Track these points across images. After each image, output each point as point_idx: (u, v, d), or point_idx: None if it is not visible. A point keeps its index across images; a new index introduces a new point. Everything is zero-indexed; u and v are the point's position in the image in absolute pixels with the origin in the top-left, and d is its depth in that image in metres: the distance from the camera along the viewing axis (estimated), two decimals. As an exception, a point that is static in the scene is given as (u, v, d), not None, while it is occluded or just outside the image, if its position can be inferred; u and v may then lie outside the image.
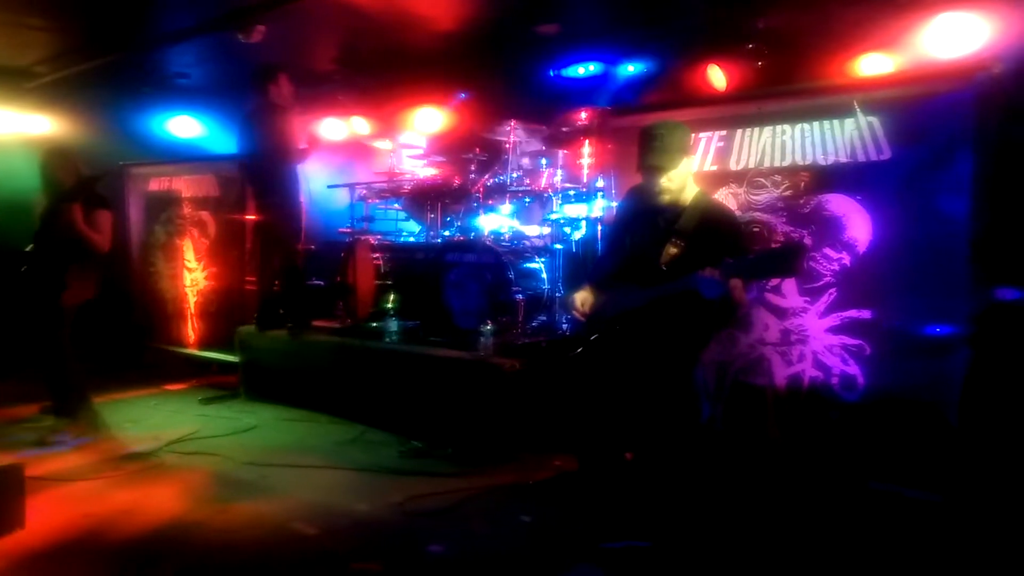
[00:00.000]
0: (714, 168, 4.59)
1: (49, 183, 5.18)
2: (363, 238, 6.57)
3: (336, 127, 7.84)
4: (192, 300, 7.51)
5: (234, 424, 5.53)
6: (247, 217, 6.85)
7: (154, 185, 7.96)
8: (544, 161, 6.21)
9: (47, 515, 3.73)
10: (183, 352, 7.53)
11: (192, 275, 7.52)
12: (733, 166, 4.52)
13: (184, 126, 8.15)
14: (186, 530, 3.66)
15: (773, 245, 4.22)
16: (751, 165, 4.45)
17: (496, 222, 6.12)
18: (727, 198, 4.49)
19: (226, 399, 6.32)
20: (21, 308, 5.14)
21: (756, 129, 4.43)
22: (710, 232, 3.24)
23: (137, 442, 5.03)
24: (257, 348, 6.31)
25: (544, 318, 5.58)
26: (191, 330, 7.52)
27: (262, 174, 6.03)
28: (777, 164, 4.34)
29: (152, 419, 5.69)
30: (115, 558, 3.36)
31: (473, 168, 6.28)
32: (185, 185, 7.62)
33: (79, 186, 5.09)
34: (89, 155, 7.41)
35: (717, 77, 5.33)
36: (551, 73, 6.52)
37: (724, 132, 4.57)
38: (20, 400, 5.70)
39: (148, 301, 7.95)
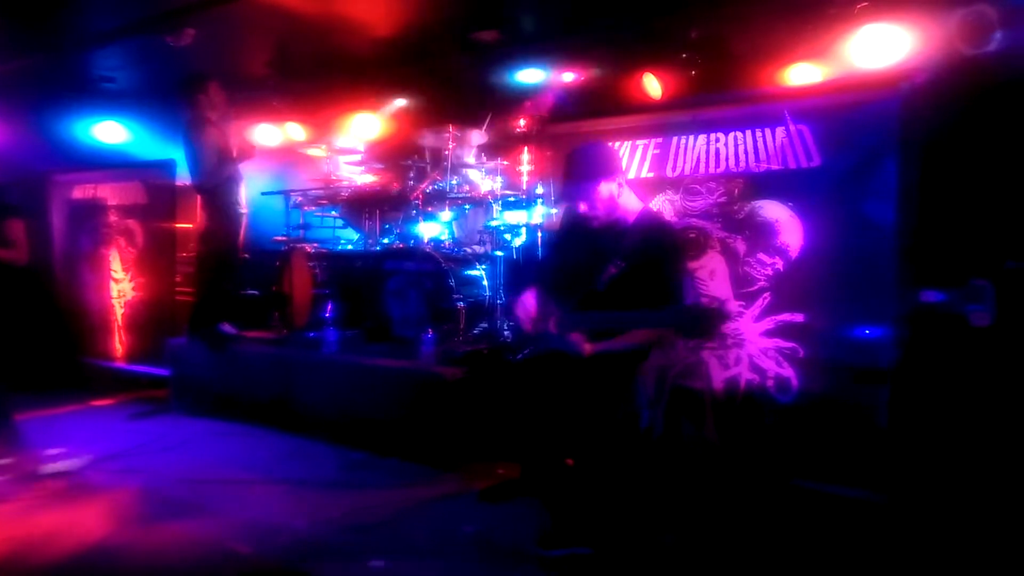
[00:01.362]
0: (651, 175, 4.65)
1: None
2: (299, 246, 6.44)
3: (270, 133, 7.67)
4: (119, 312, 7.23)
5: (164, 440, 5.33)
6: (176, 225, 6.63)
7: (79, 193, 7.66)
8: (483, 168, 6.19)
9: (-38, 541, 3.53)
10: (110, 366, 7.24)
11: (119, 286, 7.25)
12: (669, 173, 4.59)
13: (110, 131, 7.86)
14: (113, 553, 3.50)
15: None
16: (687, 172, 4.53)
17: (435, 229, 6.07)
18: (664, 204, 4.55)
19: (156, 414, 6.09)
20: None
21: (691, 136, 4.51)
22: (651, 253, 3.17)
23: (61, 461, 4.80)
24: (189, 361, 6.11)
25: (486, 325, 5.56)
26: (119, 343, 7.25)
27: (200, 184, 5.88)
28: (712, 171, 4.42)
29: (77, 436, 5.44)
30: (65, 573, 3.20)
31: (412, 175, 6.22)
32: (111, 192, 7.36)
33: None
34: (10, 161, 7.13)
35: (652, 85, 5.41)
36: (489, 80, 6.51)
37: (660, 139, 4.63)
38: None
39: (73, 313, 7.62)
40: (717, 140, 4.40)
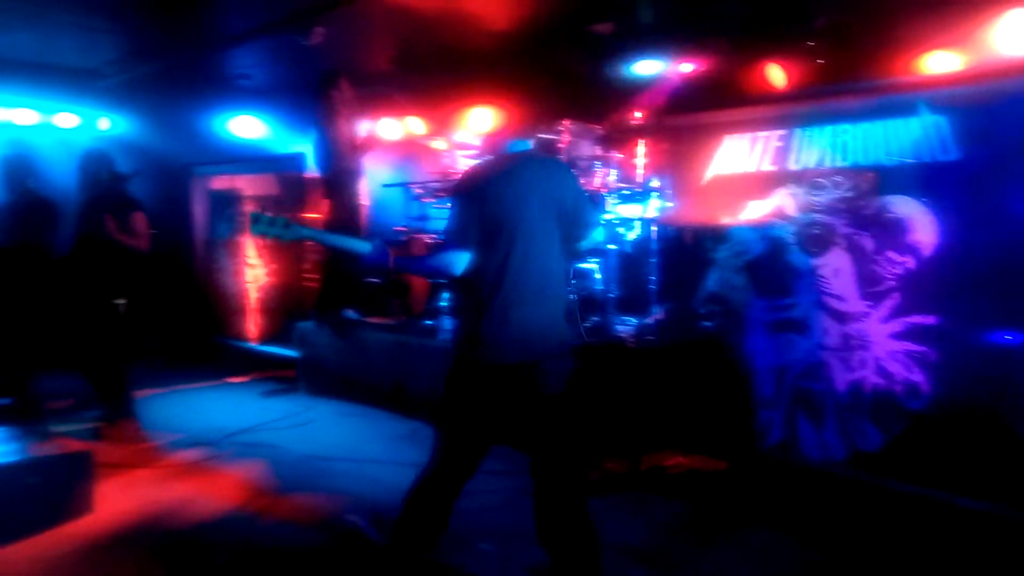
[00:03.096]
0: (772, 168, 4.51)
1: (86, 186, 5.32)
2: (418, 237, 6.64)
3: (392, 127, 7.93)
4: (253, 296, 7.70)
5: (292, 418, 5.66)
6: (305, 215, 6.98)
7: (217, 184, 8.20)
8: (597, 161, 6.17)
9: (113, 501, 3.89)
10: (244, 346, 7.73)
11: (253, 272, 7.72)
12: (792, 166, 4.43)
13: (246, 126, 8.35)
14: (244, 519, 3.77)
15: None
16: (811, 165, 4.36)
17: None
18: (786, 199, 4.41)
19: (285, 393, 6.47)
20: (67, 307, 5.30)
21: (816, 128, 4.34)
22: None
23: (200, 433, 5.20)
24: (315, 344, 6.45)
25: (597, 318, 5.56)
26: (252, 325, 7.72)
27: (329, 175, 6.19)
28: (838, 164, 4.24)
29: (214, 411, 5.87)
30: (177, 543, 3.48)
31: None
32: (246, 184, 7.82)
33: (111, 192, 5.22)
34: (156, 155, 7.72)
35: (776, 75, 5.22)
36: (605, 72, 6.48)
37: (783, 131, 4.48)
38: (63, 395, 5.83)
39: (212, 296, 8.18)
40: (844, 132, 4.21)
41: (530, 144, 3.25)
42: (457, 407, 2.95)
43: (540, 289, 2.88)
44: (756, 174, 4.53)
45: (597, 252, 5.79)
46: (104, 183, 5.25)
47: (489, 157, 3.18)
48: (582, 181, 6.10)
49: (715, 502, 4.06)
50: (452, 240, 2.83)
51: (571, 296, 5.36)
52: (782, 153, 4.48)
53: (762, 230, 4.49)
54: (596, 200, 5.47)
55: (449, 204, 2.95)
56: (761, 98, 5.01)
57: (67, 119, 7.52)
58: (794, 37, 5.14)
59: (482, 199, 2.84)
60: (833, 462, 4.16)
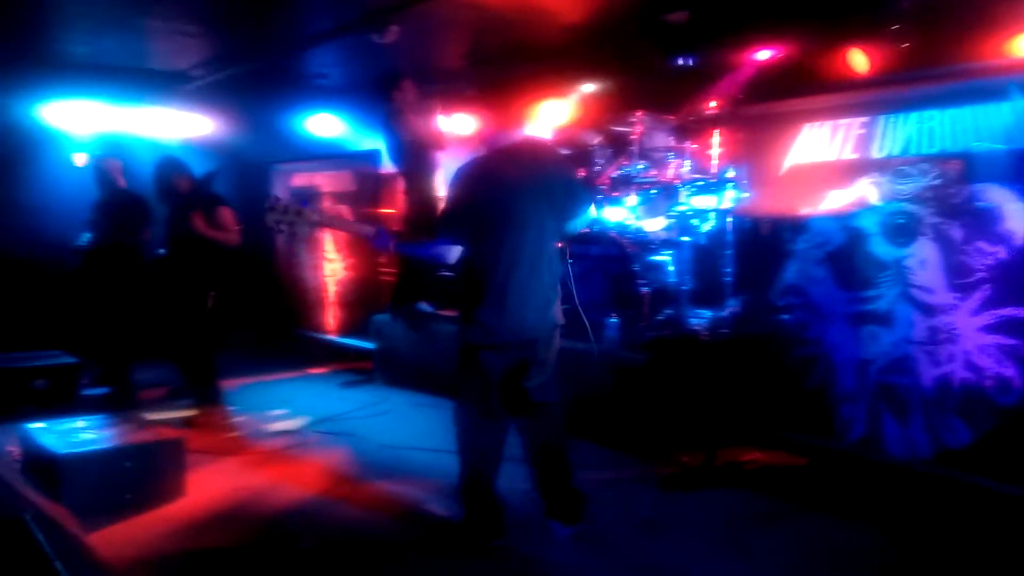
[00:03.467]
0: (854, 157, 4.38)
1: (165, 191, 5.56)
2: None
3: (464, 122, 8.01)
4: (332, 289, 7.93)
5: (370, 408, 5.82)
6: (381, 210, 7.14)
7: (297, 180, 8.46)
8: (671, 152, 6.11)
9: (204, 486, 4.08)
10: (323, 338, 7.97)
11: (331, 266, 7.94)
12: (876, 154, 4.30)
13: (324, 124, 8.58)
14: (327, 506, 3.91)
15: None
16: (896, 153, 4.22)
17: (621, 214, 6.08)
18: (869, 188, 4.28)
19: (363, 384, 6.65)
20: (160, 301, 5.55)
21: (901, 115, 4.19)
22: None
23: (284, 421, 5.40)
24: (390, 336, 6.60)
25: (671, 311, 5.51)
26: (331, 318, 7.95)
27: (403, 170, 6.32)
28: (924, 152, 4.09)
29: (297, 400, 6.08)
30: (264, 528, 3.64)
31: (598, 160, 6.27)
32: (324, 180, 8.05)
33: (195, 192, 5.44)
34: (239, 153, 8.01)
35: (858, 61, 5.06)
36: (679, 62, 6.39)
37: (865, 119, 4.35)
38: (157, 385, 6.10)
39: (293, 290, 8.46)
40: (931, 118, 4.05)
41: (520, 135, 3.35)
42: (470, 388, 3.17)
43: (533, 275, 3.07)
44: (837, 163, 4.41)
45: (670, 244, 5.74)
46: (184, 186, 5.48)
47: (481, 150, 3.33)
48: (655, 172, 6.07)
49: (794, 498, 3.99)
50: (445, 230, 3.01)
51: (644, 289, 5.34)
52: (865, 141, 4.35)
53: (843, 220, 4.37)
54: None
55: (443, 195, 3.13)
56: (843, 84, 4.87)
57: (156, 121, 7.87)
58: (877, 20, 4.97)
59: (474, 191, 3.03)
60: (919, 459, 4.03)
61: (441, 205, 3.22)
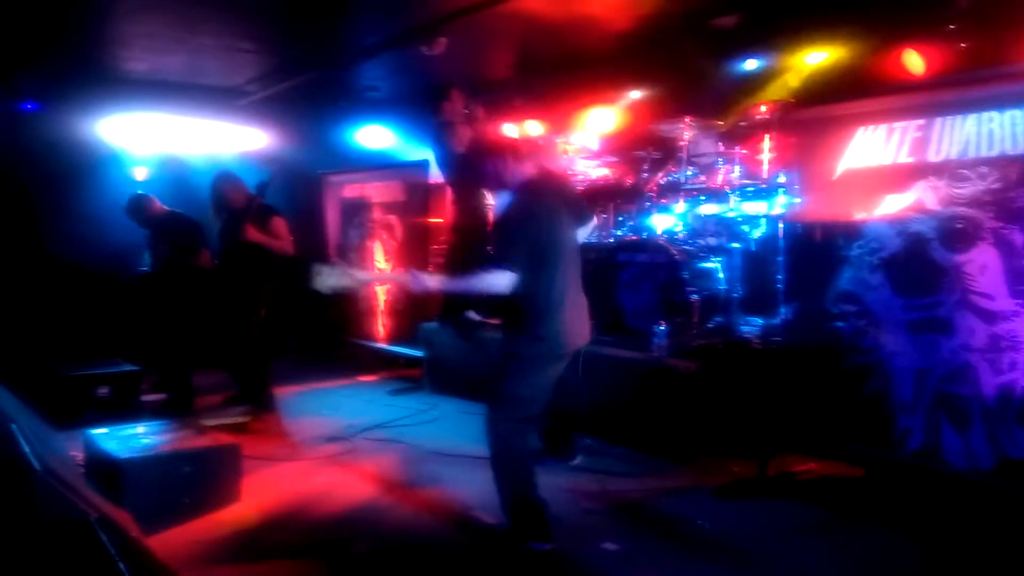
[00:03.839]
0: (910, 160, 4.27)
1: (221, 205, 5.69)
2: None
3: (512, 131, 8.05)
4: (382, 298, 8.03)
5: (419, 415, 5.88)
6: (430, 220, 7.21)
7: (348, 191, 8.60)
8: (720, 158, 6.05)
9: (258, 491, 4.16)
10: (374, 346, 8.08)
11: (381, 274, 8.03)
12: (932, 157, 4.18)
13: (373, 135, 8.72)
14: (378, 511, 3.96)
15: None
16: (953, 156, 4.10)
17: (669, 221, 6.04)
18: (926, 192, 4.16)
19: (412, 391, 6.72)
20: (216, 311, 5.69)
21: (959, 117, 4.07)
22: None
23: (335, 428, 5.49)
24: (439, 344, 6.65)
25: (721, 319, 5.45)
26: (381, 326, 8.05)
27: (452, 180, 6.40)
28: (983, 154, 3.97)
29: (347, 407, 6.17)
30: (318, 532, 3.70)
31: (646, 167, 6.24)
32: (375, 191, 8.17)
33: (250, 205, 5.56)
34: (292, 165, 8.19)
35: (914, 61, 4.95)
36: (728, 66, 6.33)
37: (921, 121, 4.23)
38: (214, 391, 6.20)
39: (343, 298, 8.58)
40: (991, 120, 3.92)
41: (534, 167, 3.77)
42: (521, 398, 3.41)
43: (578, 290, 3.62)
44: (892, 167, 4.30)
45: (720, 251, 5.67)
46: (239, 199, 5.62)
47: (518, 189, 3.56)
48: (703, 178, 6.02)
49: (850, 509, 3.90)
50: (508, 264, 3.26)
51: (693, 296, 5.28)
52: (921, 144, 4.23)
53: (900, 225, 4.26)
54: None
55: (499, 234, 3.50)
56: (898, 86, 4.76)
57: (213, 135, 8.10)
58: (934, 20, 4.86)
59: (530, 226, 3.38)
60: (979, 470, 3.90)
61: (497, 239, 3.48)
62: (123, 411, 5.38)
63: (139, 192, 6.24)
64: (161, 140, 7.84)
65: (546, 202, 3.55)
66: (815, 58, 5.82)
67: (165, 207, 6.12)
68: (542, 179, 3.76)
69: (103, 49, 6.53)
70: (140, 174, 7.69)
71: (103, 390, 5.56)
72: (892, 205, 4.32)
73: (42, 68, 6.83)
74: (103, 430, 4.21)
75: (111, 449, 3.87)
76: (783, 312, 5.02)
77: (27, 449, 3.34)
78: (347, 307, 8.48)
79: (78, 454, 4.27)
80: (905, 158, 4.30)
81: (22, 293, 6.88)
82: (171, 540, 3.51)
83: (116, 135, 7.57)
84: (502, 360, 3.48)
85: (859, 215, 4.44)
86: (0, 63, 6.57)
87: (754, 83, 6.11)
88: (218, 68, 7.21)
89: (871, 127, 4.41)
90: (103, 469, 3.87)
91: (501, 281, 3.26)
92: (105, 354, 6.12)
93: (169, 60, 6.81)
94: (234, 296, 5.54)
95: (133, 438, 4.06)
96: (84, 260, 7.15)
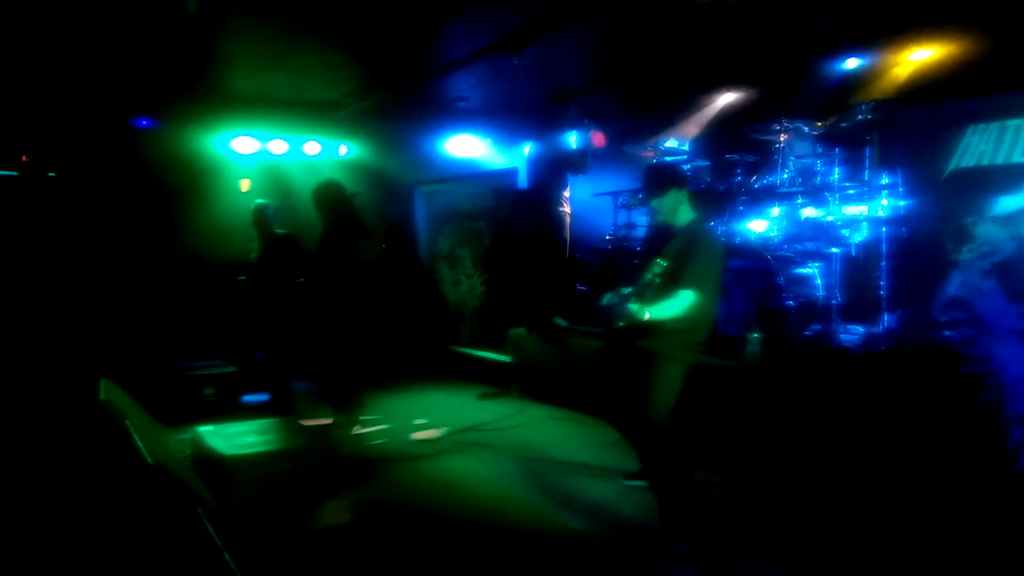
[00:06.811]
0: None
1: (324, 215, 5.84)
2: (623, 246, 6.67)
3: (599, 138, 8.02)
4: (471, 304, 8.14)
5: (507, 420, 5.92)
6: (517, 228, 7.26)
7: (438, 200, 8.76)
8: (818, 160, 5.84)
9: (350, 490, 4.28)
10: (463, 352, 8.18)
11: (471, 281, 8.15)
12: (1051, 156, 3.93)
13: (462, 145, 8.86)
14: (469, 510, 4.03)
15: None
16: (1075, 154, 3.84)
17: (763, 226, 5.88)
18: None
19: (500, 396, 6.77)
20: (312, 319, 5.87)
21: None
22: (685, 255, 3.52)
23: (424, 431, 5.60)
24: (526, 350, 6.68)
25: (819, 327, 5.25)
26: (470, 332, 8.15)
27: (536, 187, 6.45)
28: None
29: (439, 411, 6.28)
30: (410, 530, 3.78)
31: (739, 170, 6.10)
32: (464, 198, 8.30)
33: (346, 216, 5.67)
34: (385, 175, 8.42)
35: (1029, 55, 4.65)
36: (827, 65, 6.11)
37: (1039, 117, 4.00)
38: (311, 394, 6.31)
39: (434, 306, 8.75)
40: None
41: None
42: (676, 406, 3.54)
43: None
44: (1006, 167, 4.08)
45: (818, 256, 5.48)
46: (344, 211, 5.79)
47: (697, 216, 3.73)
48: (800, 181, 5.83)
49: (957, 525, 3.68)
50: (711, 292, 3.50)
51: (789, 303, 5.12)
52: (1039, 141, 3.99)
53: (1014, 228, 4.02)
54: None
55: (713, 267, 3.55)
56: (1013, 82, 4.49)
57: (312, 147, 8.41)
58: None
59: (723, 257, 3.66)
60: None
61: (696, 264, 3.52)
62: (226, 410, 5.64)
63: (264, 202, 6.47)
64: (264, 152, 8.19)
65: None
66: (920, 55, 5.55)
67: (279, 231, 6.31)
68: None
69: (212, 68, 6.88)
70: (245, 185, 8.05)
71: (209, 390, 5.84)
72: (1006, 207, 4.09)
73: (157, 88, 7.27)
74: (209, 428, 4.43)
75: (216, 446, 4.07)
76: (886, 320, 4.82)
77: (140, 444, 3.57)
78: (437, 313, 8.64)
79: (186, 450, 4.51)
80: (1019, 157, 4.07)
81: (132, 298, 7.33)
82: (270, 533, 3.64)
83: (225, 148, 7.97)
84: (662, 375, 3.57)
85: (970, 217, 4.23)
86: (120, 83, 7.02)
87: (855, 81, 5.88)
88: (318, 83, 7.48)
89: (982, 125, 4.20)
90: (209, 465, 4.07)
91: (687, 303, 3.41)
92: (204, 355, 6.43)
93: (273, 77, 7.12)
94: (327, 304, 5.74)
95: (237, 436, 4.26)
96: (194, 264, 7.55)
